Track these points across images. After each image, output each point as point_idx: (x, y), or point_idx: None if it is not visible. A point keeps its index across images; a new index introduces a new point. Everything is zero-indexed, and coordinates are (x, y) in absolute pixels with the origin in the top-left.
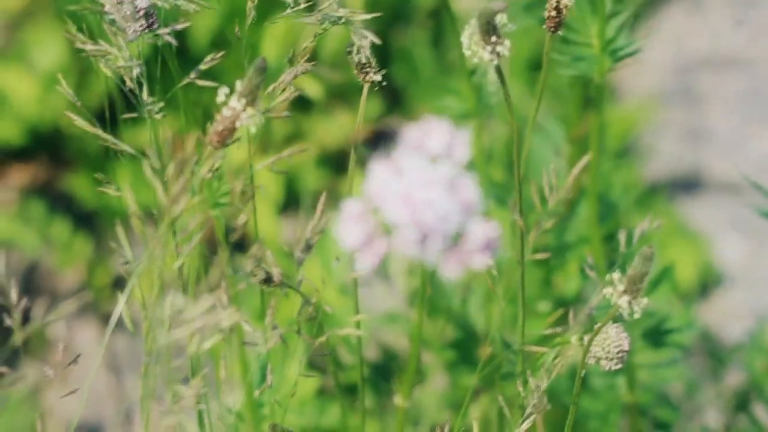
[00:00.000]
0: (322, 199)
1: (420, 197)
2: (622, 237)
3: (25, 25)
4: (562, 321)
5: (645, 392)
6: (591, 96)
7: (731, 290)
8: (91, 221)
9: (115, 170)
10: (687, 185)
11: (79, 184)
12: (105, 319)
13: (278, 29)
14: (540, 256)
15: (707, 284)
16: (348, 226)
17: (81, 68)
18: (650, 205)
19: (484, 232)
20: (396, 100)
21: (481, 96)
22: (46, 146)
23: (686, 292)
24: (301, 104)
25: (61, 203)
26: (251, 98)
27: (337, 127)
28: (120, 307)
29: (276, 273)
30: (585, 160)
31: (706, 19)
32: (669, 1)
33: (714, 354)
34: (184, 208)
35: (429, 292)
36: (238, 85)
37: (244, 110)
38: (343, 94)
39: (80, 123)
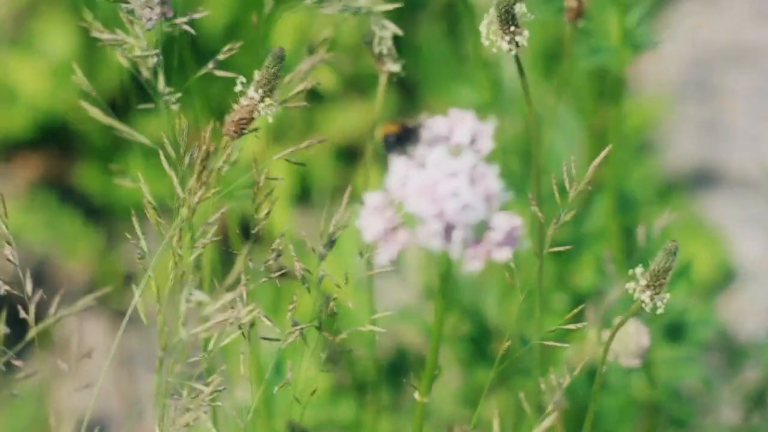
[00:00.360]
0: (347, 193)
1: (442, 188)
2: (641, 231)
3: (35, 15)
4: (579, 315)
5: (662, 389)
6: (608, 87)
7: (748, 286)
8: (101, 214)
9: (127, 161)
10: (704, 180)
11: (89, 176)
12: (115, 312)
13: (293, 18)
14: (559, 248)
15: (724, 279)
16: (369, 218)
17: (90, 58)
18: (668, 199)
19: (506, 225)
20: (411, 91)
21: (498, 87)
22: (56, 138)
23: (703, 287)
24: (316, 94)
25: (71, 195)
26: (269, 88)
27: (353, 118)
28: (135, 300)
29: (298, 268)
30: (605, 152)
31: (724, 12)
32: None
33: (731, 350)
34: (201, 200)
35: (447, 286)
36: (256, 74)
37: (261, 100)
38: (358, 85)
39: (94, 113)
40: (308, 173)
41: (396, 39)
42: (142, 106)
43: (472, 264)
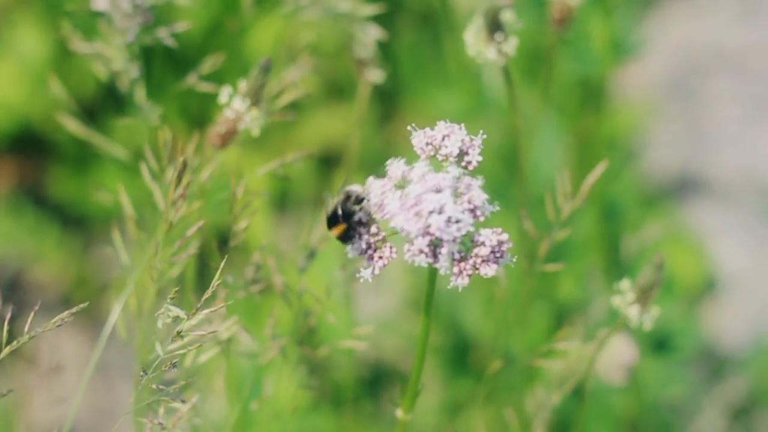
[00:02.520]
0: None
1: (427, 204)
2: (626, 242)
3: (9, 20)
4: (562, 326)
5: (646, 398)
6: (592, 94)
7: (733, 293)
8: (76, 222)
9: (101, 171)
10: (688, 185)
11: (64, 184)
12: (90, 321)
13: (272, 24)
14: (553, 267)
15: (708, 288)
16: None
17: (65, 63)
18: (652, 207)
19: (493, 239)
20: (389, 97)
21: (479, 93)
22: (31, 146)
23: (687, 295)
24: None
25: (46, 203)
26: (255, 99)
27: (331, 124)
28: (115, 316)
29: (279, 283)
30: (600, 168)
31: (709, 17)
32: None
33: (714, 360)
34: (184, 215)
35: (430, 301)
36: (241, 85)
37: (247, 112)
38: (336, 90)
39: (73, 127)
40: (286, 179)
41: (379, 45)
42: (121, 121)
43: (458, 280)
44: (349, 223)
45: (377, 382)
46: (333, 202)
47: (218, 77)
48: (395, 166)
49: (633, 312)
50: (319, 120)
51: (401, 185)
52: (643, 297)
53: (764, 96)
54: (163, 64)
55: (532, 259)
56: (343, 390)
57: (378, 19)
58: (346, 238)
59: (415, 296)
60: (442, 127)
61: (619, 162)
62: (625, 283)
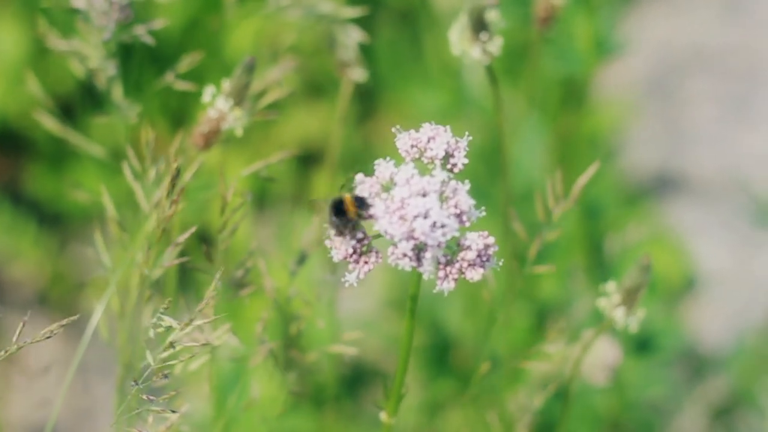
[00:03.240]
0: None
1: (412, 208)
2: (609, 242)
3: None
4: (543, 326)
5: (627, 398)
6: (574, 93)
7: (713, 291)
8: (53, 219)
9: (79, 169)
10: (667, 184)
11: (41, 182)
12: (68, 327)
13: (253, 23)
14: (542, 269)
15: (688, 286)
16: (337, 237)
17: (42, 59)
18: (632, 205)
19: (479, 243)
20: (368, 96)
21: (459, 92)
22: (7, 143)
23: (668, 294)
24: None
25: (22, 201)
26: (239, 99)
27: (311, 122)
28: (97, 316)
29: (269, 287)
30: (591, 170)
31: (688, 16)
32: None
33: (695, 360)
34: (171, 216)
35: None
36: (224, 84)
37: (230, 112)
38: (315, 88)
39: (50, 126)
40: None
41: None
42: (98, 119)
43: (444, 284)
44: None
45: (357, 381)
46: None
47: (198, 76)
48: (383, 167)
49: (619, 314)
50: (298, 118)
51: (388, 187)
52: (629, 299)
53: (743, 95)
54: (143, 62)
55: (517, 260)
56: (323, 390)
57: (357, 18)
58: (360, 207)
59: (396, 297)
60: (427, 129)
61: (599, 161)
62: (610, 285)
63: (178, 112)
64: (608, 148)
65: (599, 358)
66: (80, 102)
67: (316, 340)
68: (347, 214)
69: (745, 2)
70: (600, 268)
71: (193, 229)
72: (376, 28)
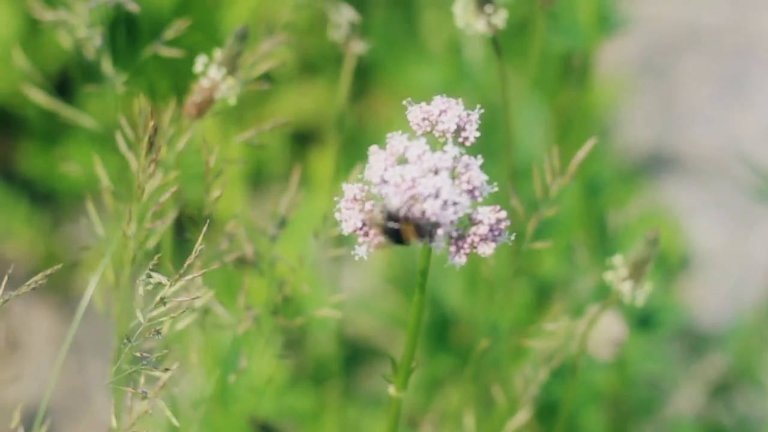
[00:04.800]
0: (296, 173)
1: (423, 187)
2: (611, 218)
3: None
4: (544, 303)
5: (628, 378)
6: (575, 69)
7: (709, 270)
8: (46, 197)
9: (71, 145)
10: (662, 162)
11: (33, 160)
12: (62, 298)
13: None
14: (541, 245)
15: (685, 264)
16: (347, 210)
17: (35, 39)
18: (629, 184)
19: (491, 218)
20: (364, 74)
21: (459, 68)
22: (1, 120)
23: (665, 272)
24: (270, 76)
25: (15, 179)
26: (231, 68)
27: (306, 99)
28: (91, 289)
29: (249, 251)
30: (588, 146)
31: None
32: None
33: (694, 337)
34: (160, 184)
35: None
36: (217, 53)
37: (223, 81)
38: (311, 66)
39: (36, 96)
40: (262, 156)
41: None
42: (87, 89)
43: (455, 258)
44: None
45: (355, 360)
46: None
47: (192, 51)
48: (397, 140)
49: (626, 288)
50: (293, 97)
51: (402, 160)
52: (637, 272)
53: (737, 73)
54: (138, 38)
55: (518, 237)
56: (321, 367)
57: None
58: (421, 235)
59: (396, 274)
60: (438, 101)
61: (597, 138)
62: (617, 259)
63: (178, 88)
64: (604, 126)
65: (604, 333)
66: (74, 82)
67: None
68: (403, 241)
69: None
70: (601, 244)
71: (174, 188)
72: (369, 6)
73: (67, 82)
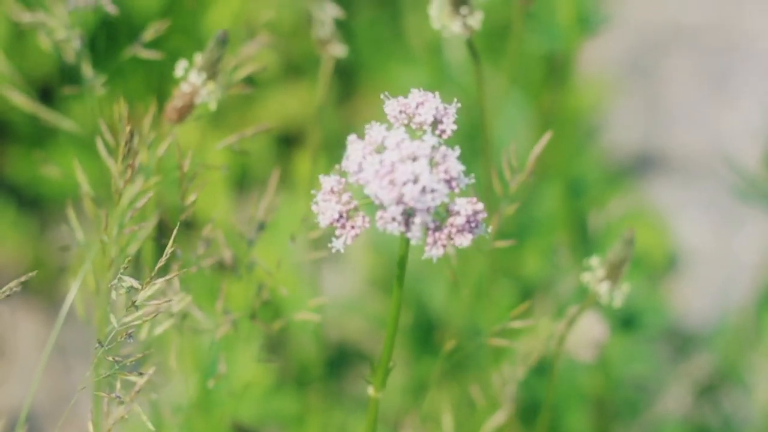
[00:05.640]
0: (275, 176)
1: (402, 172)
2: (592, 218)
3: None
4: (526, 303)
5: (612, 376)
6: (556, 69)
7: (694, 269)
8: (31, 202)
9: (54, 149)
10: (647, 161)
11: (18, 164)
12: (48, 303)
13: (230, 1)
14: (503, 243)
15: (670, 264)
16: (324, 202)
17: (19, 44)
18: (613, 183)
19: (468, 209)
20: (348, 74)
21: (440, 69)
22: None
23: (651, 272)
24: (253, 78)
25: (2, 184)
26: (211, 72)
27: (290, 102)
28: (72, 294)
29: (228, 256)
30: (544, 140)
31: None
32: None
33: (680, 338)
34: (139, 190)
35: (402, 272)
36: (197, 58)
37: (203, 85)
38: (294, 67)
39: (18, 100)
40: (246, 159)
41: (337, 23)
42: (67, 91)
43: (432, 250)
44: None
45: (341, 362)
46: None
47: (176, 55)
48: (375, 130)
49: (603, 288)
50: (277, 99)
51: (380, 150)
52: (614, 273)
53: (721, 72)
54: (120, 42)
55: (499, 236)
56: (305, 371)
57: None
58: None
59: (379, 276)
60: (416, 94)
61: (581, 139)
62: (594, 260)
63: (160, 92)
64: (589, 127)
65: (585, 334)
66: (58, 87)
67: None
68: None
69: None
70: (584, 244)
71: (150, 194)
72: (354, 7)
73: (52, 87)
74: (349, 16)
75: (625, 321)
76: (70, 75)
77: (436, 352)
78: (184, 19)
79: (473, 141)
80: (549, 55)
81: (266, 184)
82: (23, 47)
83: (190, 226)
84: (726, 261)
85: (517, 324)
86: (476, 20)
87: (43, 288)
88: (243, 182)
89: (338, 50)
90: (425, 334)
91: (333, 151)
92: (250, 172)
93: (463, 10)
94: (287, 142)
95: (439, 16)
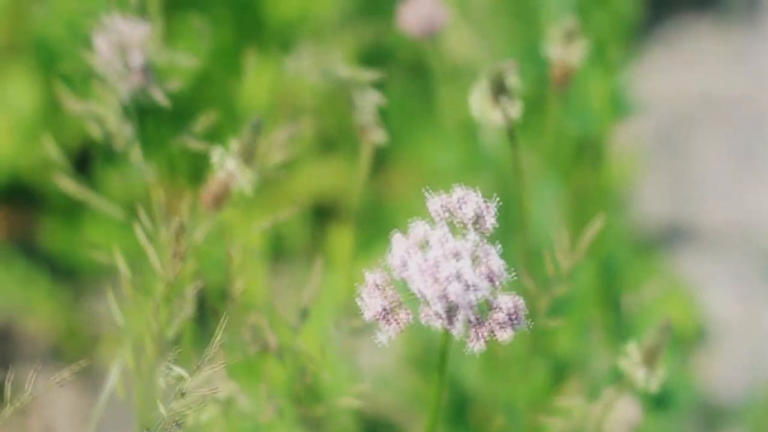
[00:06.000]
0: (318, 264)
1: (446, 270)
2: (625, 299)
3: (0, 72)
4: (560, 382)
5: None
6: (588, 146)
7: (724, 343)
8: (66, 272)
9: (91, 217)
10: (678, 235)
11: (54, 235)
12: (83, 375)
13: (266, 75)
14: (555, 323)
15: (701, 337)
16: (368, 296)
17: (56, 111)
18: (644, 257)
19: (509, 305)
20: (380, 149)
21: (474, 148)
22: (20, 196)
23: (681, 345)
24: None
25: (35, 254)
26: (247, 158)
27: (324, 176)
28: (113, 376)
29: (273, 342)
30: (596, 226)
31: (698, 66)
32: (661, 42)
33: (709, 410)
34: (179, 274)
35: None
36: (233, 144)
37: (239, 171)
38: (331, 138)
39: (67, 186)
40: (279, 231)
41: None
42: (117, 181)
43: (475, 345)
44: None
45: None
46: None
47: (212, 132)
48: (418, 227)
49: (639, 374)
50: (311, 172)
51: (423, 246)
52: (650, 359)
53: (751, 145)
54: (156, 118)
55: (532, 315)
56: None
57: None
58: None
59: (415, 353)
60: (458, 191)
61: (610, 213)
62: (631, 346)
63: (193, 169)
64: (619, 201)
65: (619, 416)
66: (94, 154)
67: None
68: None
69: (752, 52)
70: (617, 323)
71: (199, 285)
72: (386, 82)
73: (88, 156)
74: (381, 91)
75: (658, 400)
76: (106, 149)
77: (470, 429)
78: (218, 95)
79: (507, 216)
80: (581, 135)
81: (301, 255)
82: (59, 115)
83: (228, 313)
84: (755, 333)
85: (558, 403)
86: (516, 110)
87: (76, 358)
88: (277, 254)
89: (378, 137)
90: (459, 411)
91: (365, 224)
92: (284, 243)
93: (503, 99)
94: (321, 214)
95: (480, 105)
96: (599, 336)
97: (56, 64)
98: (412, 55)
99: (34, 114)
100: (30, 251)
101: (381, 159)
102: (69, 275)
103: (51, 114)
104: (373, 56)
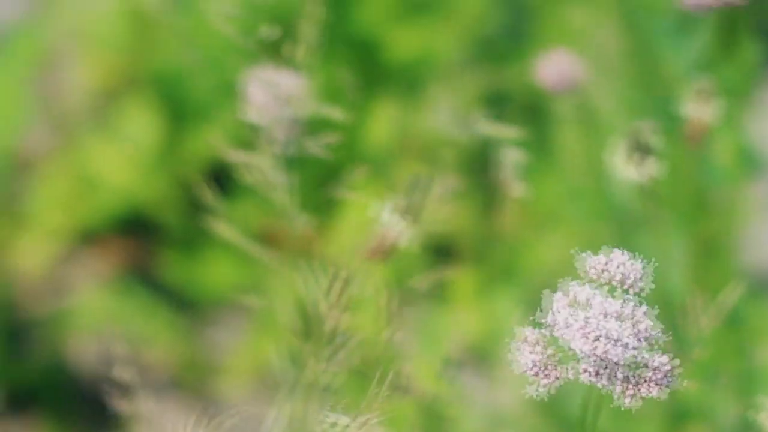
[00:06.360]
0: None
1: (604, 329)
2: (753, 351)
3: (118, 100)
4: (683, 427)
5: None
6: (716, 198)
7: None
8: (184, 302)
9: (213, 251)
10: None
11: (172, 266)
12: (199, 400)
13: (387, 111)
14: (690, 385)
15: None
16: (523, 352)
17: (174, 143)
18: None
19: (665, 365)
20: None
21: (603, 194)
22: (138, 226)
23: None
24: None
25: (153, 283)
26: (412, 216)
27: (447, 218)
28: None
29: (421, 392)
30: (736, 292)
31: None
32: None
33: None
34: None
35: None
36: (394, 201)
37: (404, 228)
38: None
39: (217, 227)
40: (402, 270)
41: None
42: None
43: (629, 401)
44: None
45: None
46: None
47: (330, 171)
48: (573, 288)
49: None
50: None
51: (576, 305)
52: None
53: None
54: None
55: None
56: None
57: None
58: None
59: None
60: (616, 254)
61: (726, 259)
62: (764, 399)
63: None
64: (737, 243)
65: None
66: (211, 186)
67: None
68: None
69: None
70: (743, 374)
71: (358, 338)
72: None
73: (207, 184)
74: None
75: None
76: (223, 180)
77: None
78: (339, 125)
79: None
80: (710, 189)
81: (421, 297)
82: (180, 146)
83: (384, 370)
84: None
85: None
86: (656, 168)
87: (195, 388)
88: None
89: (519, 191)
90: None
91: (480, 263)
92: (403, 284)
93: (643, 158)
94: (441, 253)
95: (622, 164)
96: (726, 384)
97: (177, 97)
98: (528, 98)
99: (152, 147)
100: (149, 282)
101: (494, 196)
102: (189, 305)
103: (169, 147)
104: (492, 99)
